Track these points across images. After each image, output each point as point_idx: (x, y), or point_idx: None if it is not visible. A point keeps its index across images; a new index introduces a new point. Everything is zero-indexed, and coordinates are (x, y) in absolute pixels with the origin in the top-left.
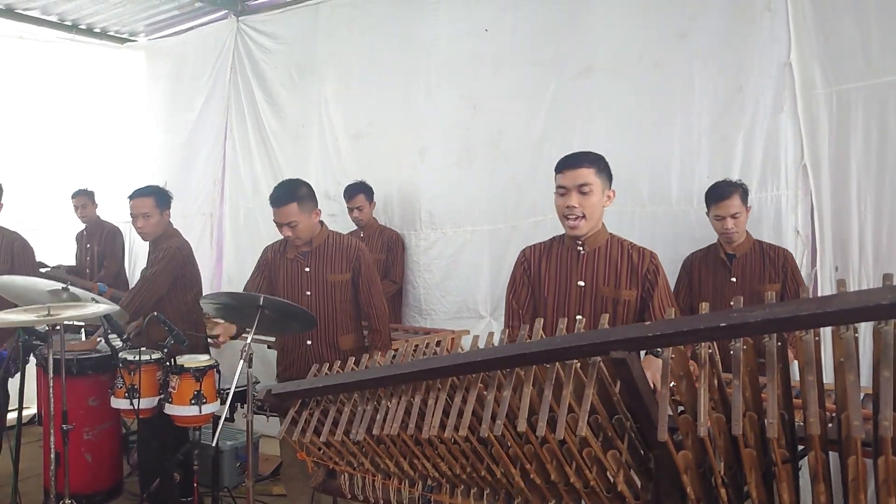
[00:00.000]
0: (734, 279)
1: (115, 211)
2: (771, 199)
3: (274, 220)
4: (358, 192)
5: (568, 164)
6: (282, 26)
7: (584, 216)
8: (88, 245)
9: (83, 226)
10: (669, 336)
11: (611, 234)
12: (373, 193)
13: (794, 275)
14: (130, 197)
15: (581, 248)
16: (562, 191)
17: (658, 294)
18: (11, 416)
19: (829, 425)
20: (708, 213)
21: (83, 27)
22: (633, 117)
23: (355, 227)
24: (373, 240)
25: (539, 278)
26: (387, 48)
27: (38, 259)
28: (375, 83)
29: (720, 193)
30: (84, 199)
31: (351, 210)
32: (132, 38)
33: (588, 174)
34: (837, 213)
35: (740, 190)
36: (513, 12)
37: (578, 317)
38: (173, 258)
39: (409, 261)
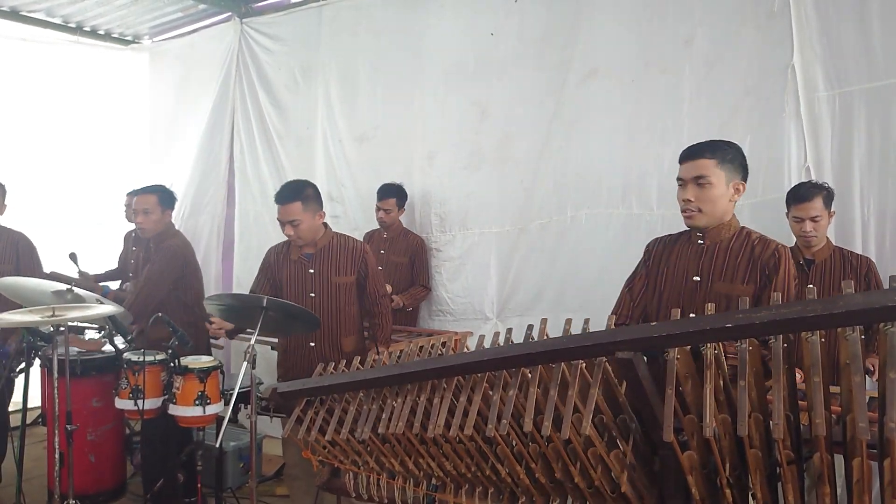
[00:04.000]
0: (811, 286)
1: (119, 213)
2: (774, 201)
3: (277, 219)
4: (391, 195)
5: (688, 154)
6: (285, 28)
7: (700, 210)
8: (134, 248)
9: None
10: (675, 336)
11: (743, 227)
12: (405, 199)
13: (878, 285)
14: (133, 193)
15: (701, 241)
16: (680, 182)
17: (776, 286)
18: (16, 416)
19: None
20: (787, 214)
21: (87, 29)
22: (639, 121)
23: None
24: (396, 242)
25: (658, 270)
26: (391, 52)
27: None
28: (381, 86)
29: (801, 195)
30: (131, 199)
31: (378, 210)
32: (136, 41)
33: (707, 166)
34: (840, 215)
35: (824, 192)
36: (519, 17)
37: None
38: (174, 258)
39: None
